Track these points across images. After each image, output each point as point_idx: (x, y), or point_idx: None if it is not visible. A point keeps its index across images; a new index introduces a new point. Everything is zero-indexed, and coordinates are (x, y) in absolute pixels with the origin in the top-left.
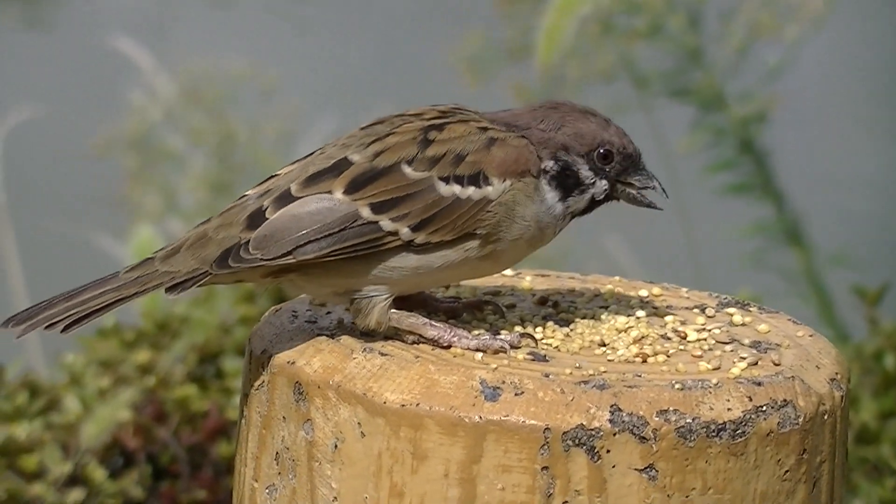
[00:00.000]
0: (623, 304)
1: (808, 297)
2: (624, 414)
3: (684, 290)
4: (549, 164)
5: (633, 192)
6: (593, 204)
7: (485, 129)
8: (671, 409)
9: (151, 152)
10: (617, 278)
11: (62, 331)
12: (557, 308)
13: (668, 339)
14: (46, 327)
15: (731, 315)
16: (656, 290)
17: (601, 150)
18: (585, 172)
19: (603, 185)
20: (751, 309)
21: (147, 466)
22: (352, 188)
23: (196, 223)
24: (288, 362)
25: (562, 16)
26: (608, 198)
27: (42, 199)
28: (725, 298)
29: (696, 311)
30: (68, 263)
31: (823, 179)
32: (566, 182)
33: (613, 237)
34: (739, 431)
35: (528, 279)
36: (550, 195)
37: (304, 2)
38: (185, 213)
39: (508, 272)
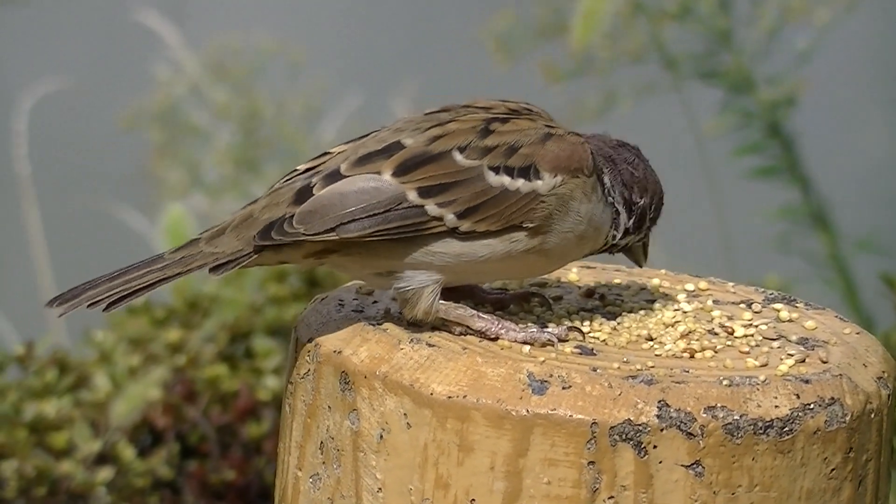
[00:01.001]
0: (669, 299)
1: (833, 282)
2: (671, 409)
3: (730, 284)
4: (638, 199)
5: (640, 248)
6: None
7: (549, 126)
8: (719, 405)
9: (177, 127)
10: (663, 271)
11: (105, 309)
12: (604, 301)
13: (716, 334)
14: (89, 305)
15: (778, 311)
16: (703, 284)
17: (659, 209)
18: (647, 220)
19: (645, 236)
20: (797, 305)
21: (176, 446)
22: (401, 171)
23: (220, 198)
24: (334, 351)
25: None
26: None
27: (66, 172)
28: (772, 294)
29: (742, 306)
30: (92, 237)
31: (851, 164)
32: (638, 221)
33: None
34: (787, 429)
35: (574, 271)
36: (621, 211)
37: None
38: (209, 188)
39: None
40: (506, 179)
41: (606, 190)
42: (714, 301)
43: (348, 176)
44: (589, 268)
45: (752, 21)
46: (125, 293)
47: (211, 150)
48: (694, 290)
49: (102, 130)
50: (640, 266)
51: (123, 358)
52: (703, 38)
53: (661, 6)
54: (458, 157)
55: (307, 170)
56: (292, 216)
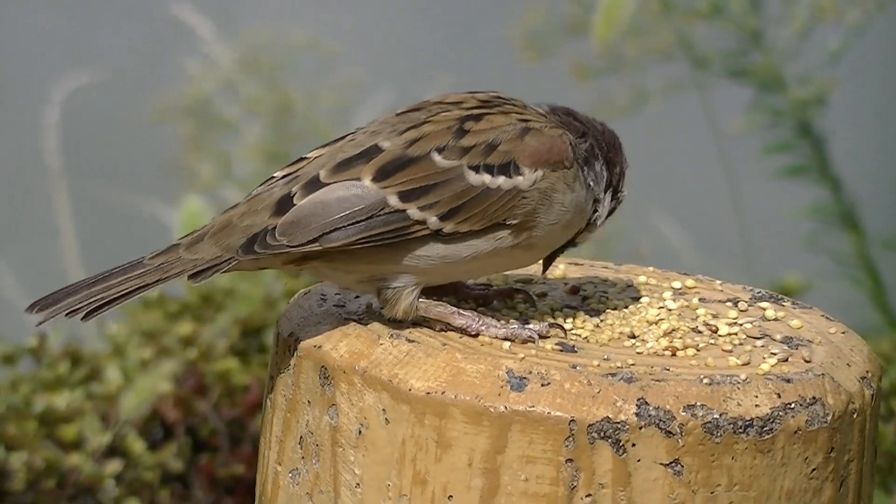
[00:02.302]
0: (655, 296)
1: (861, 281)
2: (651, 408)
3: (718, 282)
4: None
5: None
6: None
7: (524, 119)
8: (698, 403)
9: (208, 120)
10: (651, 269)
11: (83, 318)
12: (589, 298)
13: (699, 332)
14: (68, 314)
15: (764, 309)
16: (690, 282)
17: (622, 169)
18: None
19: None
20: (784, 303)
21: (186, 439)
22: (380, 175)
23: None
24: (314, 346)
25: None
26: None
27: (97, 164)
28: (759, 292)
29: (728, 304)
30: (122, 230)
31: (880, 164)
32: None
33: (666, 218)
34: (767, 428)
35: (561, 267)
36: (596, 187)
37: None
38: (240, 181)
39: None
40: (486, 178)
41: (586, 172)
42: (700, 299)
43: (328, 183)
44: (576, 265)
45: (783, 20)
46: (104, 301)
47: (242, 144)
48: (680, 288)
49: (133, 123)
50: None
51: (136, 351)
52: (734, 37)
53: (691, 4)
54: (437, 158)
55: (284, 176)
56: (274, 228)
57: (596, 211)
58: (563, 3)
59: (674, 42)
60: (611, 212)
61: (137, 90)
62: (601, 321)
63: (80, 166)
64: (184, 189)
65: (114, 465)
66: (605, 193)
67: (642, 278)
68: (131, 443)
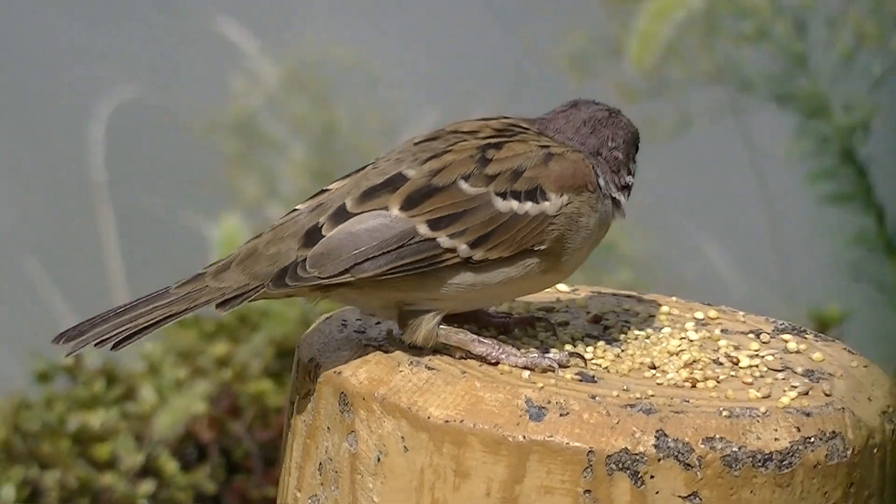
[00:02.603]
0: (677, 327)
1: None
2: (669, 439)
3: (741, 313)
4: (618, 154)
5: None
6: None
7: (544, 146)
8: (717, 436)
9: (253, 138)
10: (674, 299)
11: (112, 348)
12: (610, 327)
13: (720, 364)
14: (97, 344)
15: (786, 342)
16: (712, 313)
17: (636, 144)
18: (633, 167)
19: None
20: (806, 336)
21: (220, 460)
22: (408, 204)
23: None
24: (334, 372)
25: (656, 19)
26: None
27: (142, 180)
28: (782, 324)
29: (750, 336)
30: (165, 245)
31: None
32: (617, 173)
33: (710, 243)
34: (786, 462)
35: (583, 295)
36: (614, 192)
37: None
38: (284, 199)
39: (564, 287)
40: (514, 204)
41: (604, 187)
42: (722, 330)
43: (356, 213)
44: (599, 294)
45: (828, 45)
46: (132, 331)
47: (286, 162)
48: (703, 319)
49: (179, 140)
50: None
51: (171, 370)
52: (779, 61)
53: (736, 28)
54: (464, 185)
55: (309, 208)
56: (304, 259)
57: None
58: (606, 25)
59: (719, 65)
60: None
61: (182, 106)
62: (622, 351)
63: (125, 181)
64: (228, 206)
65: (147, 486)
66: (621, 195)
67: (665, 308)
68: (164, 463)
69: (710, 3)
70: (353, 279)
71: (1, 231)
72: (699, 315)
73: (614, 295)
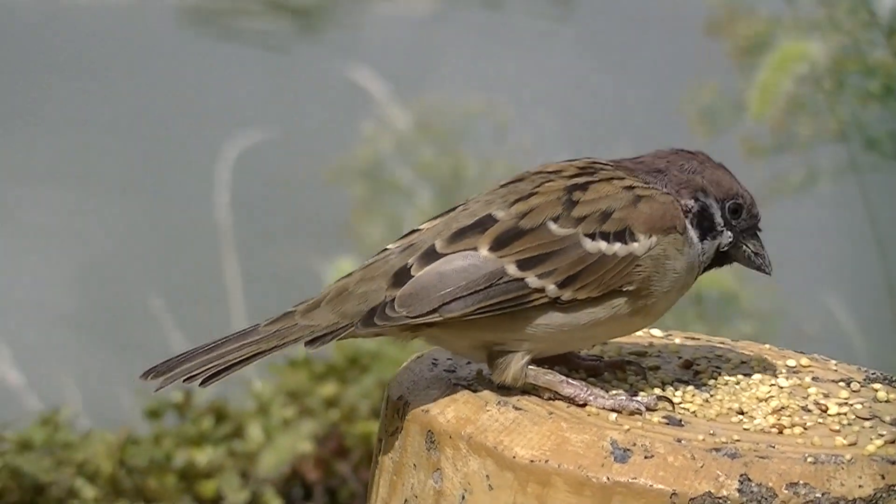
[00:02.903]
0: (768, 373)
1: None
2: (753, 484)
3: (833, 362)
4: (689, 202)
5: (749, 251)
6: (719, 256)
7: (630, 187)
8: (801, 482)
9: (380, 183)
10: (767, 346)
11: (201, 384)
12: (701, 373)
13: (809, 411)
14: (185, 380)
15: (877, 391)
16: (804, 361)
17: (734, 202)
18: (718, 218)
19: (729, 236)
20: None
21: (326, 500)
22: (497, 245)
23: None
24: (422, 410)
25: (777, 73)
26: (729, 253)
27: (267, 222)
28: (873, 373)
29: (841, 384)
30: (290, 289)
31: None
32: (703, 223)
33: (833, 295)
34: None
35: (676, 341)
36: (694, 237)
37: (543, 41)
38: None
39: (658, 332)
40: (602, 245)
41: (692, 216)
42: (813, 378)
43: (445, 254)
44: (693, 339)
45: None
46: (221, 367)
47: (412, 208)
48: (795, 367)
49: (305, 183)
50: (768, 273)
51: (279, 410)
52: None
53: (863, 85)
54: (553, 227)
55: (399, 248)
56: (393, 300)
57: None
58: (735, 80)
59: (844, 123)
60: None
61: (310, 150)
62: (711, 396)
63: (251, 223)
64: (352, 250)
65: None
66: (699, 240)
67: (757, 355)
68: (269, 500)
69: (835, 60)
70: (441, 318)
71: (128, 268)
72: (791, 363)
73: (708, 341)
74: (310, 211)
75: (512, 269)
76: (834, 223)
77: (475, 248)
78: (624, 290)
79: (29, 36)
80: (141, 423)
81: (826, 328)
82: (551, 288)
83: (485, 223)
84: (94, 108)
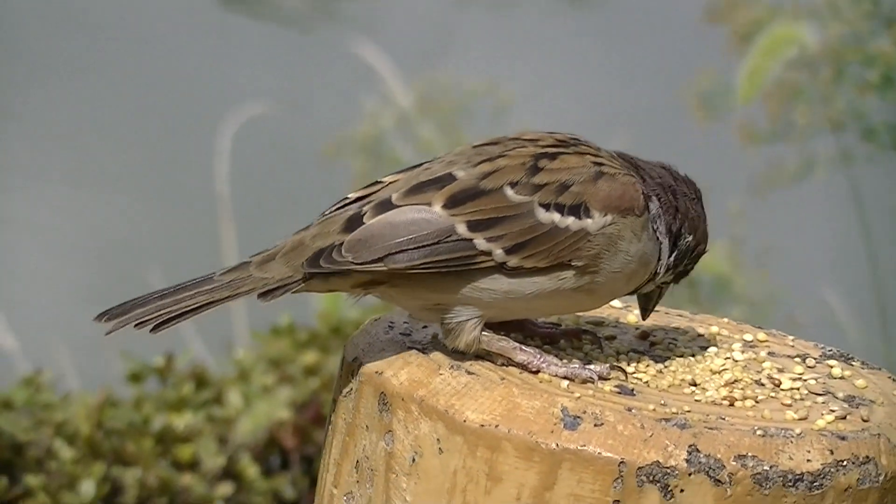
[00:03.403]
0: (724, 346)
1: None
2: (701, 455)
3: (790, 338)
4: (673, 223)
5: (655, 298)
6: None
7: (598, 163)
8: (750, 454)
9: (380, 159)
10: (725, 320)
11: (151, 330)
12: (657, 344)
13: (762, 385)
14: (137, 325)
15: (832, 367)
16: (761, 336)
17: (700, 250)
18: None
19: (670, 275)
20: (853, 363)
21: (303, 468)
22: (451, 203)
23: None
24: (376, 372)
25: (765, 57)
26: (656, 282)
27: (265, 194)
28: (830, 350)
29: (797, 359)
30: None
31: None
32: (677, 251)
33: (827, 284)
34: (817, 483)
35: (635, 313)
36: (664, 246)
37: (548, 26)
38: None
39: (617, 304)
40: (556, 216)
41: (656, 224)
42: (769, 353)
43: (399, 206)
44: (653, 311)
45: None
46: (173, 314)
47: None
48: (751, 341)
49: (305, 156)
50: (643, 319)
51: (260, 377)
52: None
53: (862, 76)
54: (510, 192)
55: (358, 198)
56: (341, 244)
57: (660, 259)
58: (733, 66)
59: (845, 112)
60: (678, 265)
61: (311, 124)
62: (665, 367)
63: (249, 195)
64: None
65: (225, 488)
66: (668, 248)
67: (715, 328)
68: (245, 467)
69: (834, 49)
70: (385, 269)
71: (126, 238)
72: (748, 337)
73: (666, 313)
74: (309, 185)
75: (462, 229)
76: (829, 212)
77: (429, 204)
78: (572, 264)
79: (27, 13)
80: (119, 387)
81: (818, 316)
82: (498, 252)
83: (444, 180)
84: (97, 79)
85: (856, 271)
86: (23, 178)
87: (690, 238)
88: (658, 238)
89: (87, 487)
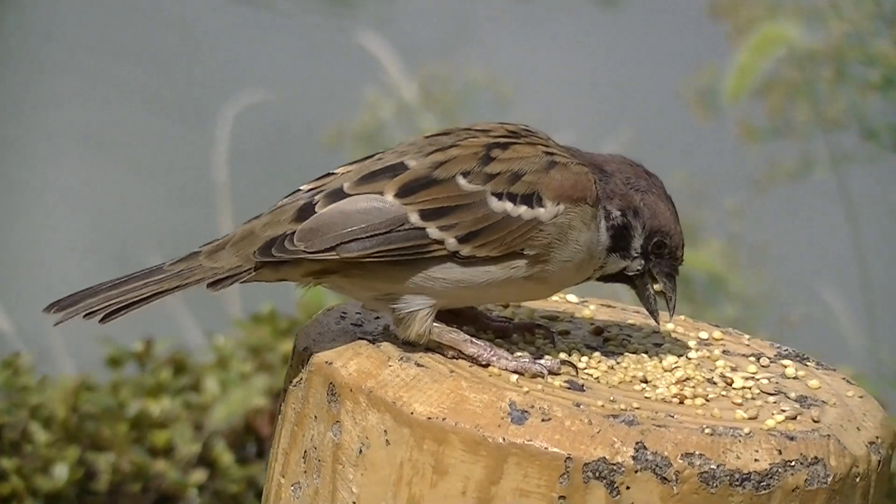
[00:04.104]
0: (678, 344)
1: None
2: (648, 452)
3: (746, 336)
4: (615, 213)
5: (651, 291)
6: (620, 276)
7: (549, 153)
8: (697, 452)
9: (378, 148)
10: (682, 317)
11: (101, 320)
12: (610, 340)
13: (714, 383)
14: (86, 315)
15: (786, 367)
16: (717, 334)
17: (660, 239)
18: (636, 244)
19: (639, 265)
20: (808, 363)
21: None
22: (403, 192)
23: None
24: (326, 362)
25: (754, 55)
26: (633, 280)
27: (264, 182)
28: (785, 350)
29: (751, 359)
30: None
31: None
32: (618, 239)
33: (827, 286)
34: (764, 483)
35: (591, 308)
36: (604, 235)
37: (552, 20)
38: None
39: (574, 298)
40: (508, 205)
41: (606, 214)
42: (724, 351)
43: (351, 195)
44: (609, 307)
45: None
46: (122, 304)
47: None
48: (707, 339)
49: (304, 145)
50: (656, 322)
51: (239, 364)
52: None
53: (864, 75)
54: (462, 181)
55: (311, 189)
56: (293, 233)
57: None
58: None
59: (846, 111)
60: (633, 256)
61: (311, 113)
62: (616, 363)
63: (246, 182)
64: None
65: (199, 475)
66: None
67: (670, 326)
68: (220, 454)
69: (836, 48)
70: (337, 258)
71: (124, 224)
72: (703, 335)
73: (623, 309)
74: (307, 173)
75: (414, 218)
76: (826, 212)
77: (381, 193)
78: (525, 253)
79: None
80: (120, 372)
81: (813, 315)
82: (451, 241)
83: (396, 169)
84: (97, 63)
85: (852, 271)
86: (21, 167)
87: (639, 226)
88: (605, 228)
89: (61, 471)
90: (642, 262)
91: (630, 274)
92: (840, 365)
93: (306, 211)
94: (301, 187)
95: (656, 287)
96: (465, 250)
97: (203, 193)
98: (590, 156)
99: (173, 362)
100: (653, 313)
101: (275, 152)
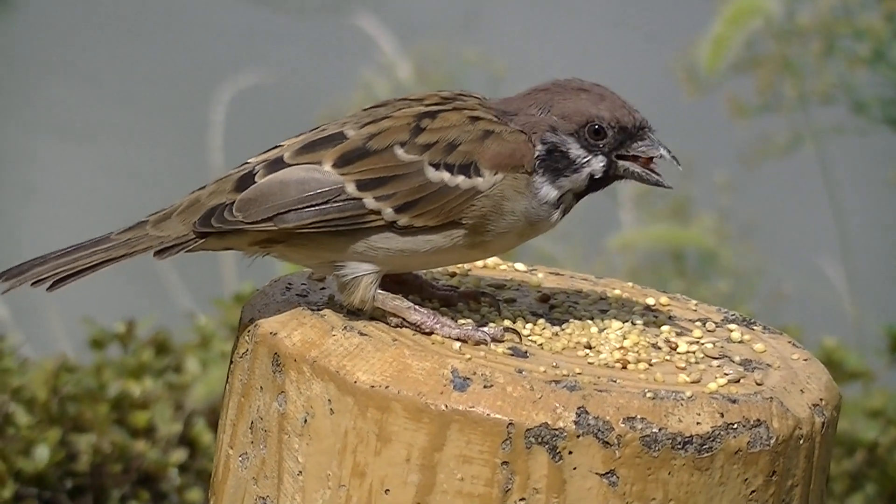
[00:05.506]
0: (625, 310)
1: None
2: (590, 417)
3: (693, 302)
4: (538, 147)
5: (638, 169)
6: (595, 182)
7: (476, 118)
8: (638, 416)
9: None
10: (630, 284)
11: (48, 288)
12: (557, 307)
13: (658, 348)
14: (33, 283)
15: (731, 331)
16: (664, 300)
17: (591, 127)
18: (577, 151)
19: (600, 161)
20: (754, 328)
21: None
22: (341, 162)
23: None
24: (270, 333)
25: (730, 26)
26: (611, 175)
27: None
28: (732, 315)
29: (697, 323)
30: None
31: None
32: (556, 164)
33: (819, 257)
34: (706, 446)
35: (539, 276)
36: (542, 185)
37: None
38: None
39: (522, 267)
40: (445, 175)
41: (539, 161)
42: (670, 317)
43: (291, 165)
44: (557, 274)
45: None
46: (70, 272)
47: None
48: (654, 305)
49: (299, 128)
50: (664, 185)
51: (220, 344)
52: (894, 84)
53: (853, 49)
54: (399, 152)
55: (258, 161)
56: (232, 203)
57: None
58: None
59: (834, 85)
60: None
61: (306, 94)
62: (561, 330)
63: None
64: None
65: (179, 454)
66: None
67: (617, 292)
68: (200, 433)
69: (825, 22)
70: (275, 228)
71: (119, 209)
72: (650, 301)
73: (571, 277)
74: None
75: (351, 188)
76: (817, 185)
77: (319, 163)
78: (463, 222)
79: None
80: (111, 353)
81: (807, 289)
82: (388, 211)
83: (335, 139)
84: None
85: (842, 244)
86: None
87: (565, 136)
88: (536, 186)
89: (42, 453)
90: (601, 158)
91: (604, 175)
92: (829, 336)
93: (246, 180)
94: (249, 159)
95: (642, 157)
96: (402, 220)
97: (198, 177)
98: (498, 103)
99: (156, 343)
100: (658, 184)
101: (270, 135)
